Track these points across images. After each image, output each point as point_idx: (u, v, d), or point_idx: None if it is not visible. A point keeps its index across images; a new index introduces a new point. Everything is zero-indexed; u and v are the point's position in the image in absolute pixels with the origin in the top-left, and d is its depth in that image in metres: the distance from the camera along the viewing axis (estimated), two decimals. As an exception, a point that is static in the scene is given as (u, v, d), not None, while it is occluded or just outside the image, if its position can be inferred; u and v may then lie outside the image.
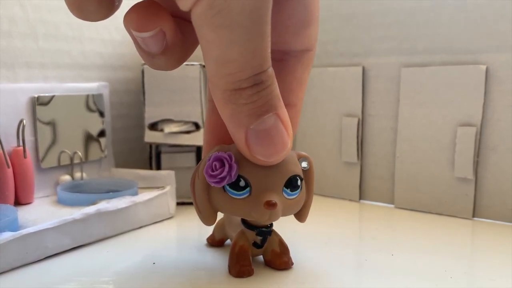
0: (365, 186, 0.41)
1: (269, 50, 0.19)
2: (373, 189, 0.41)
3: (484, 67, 0.34)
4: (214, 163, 0.22)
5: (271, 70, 0.19)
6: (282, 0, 0.22)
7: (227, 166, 0.22)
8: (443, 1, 0.36)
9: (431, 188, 0.37)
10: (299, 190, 0.23)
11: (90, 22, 0.20)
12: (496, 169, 0.35)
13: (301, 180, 0.23)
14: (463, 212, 0.36)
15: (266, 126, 0.20)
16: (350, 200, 0.42)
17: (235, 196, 0.22)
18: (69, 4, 0.19)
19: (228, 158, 0.22)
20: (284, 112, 0.21)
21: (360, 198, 0.42)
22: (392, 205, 0.40)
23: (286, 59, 0.24)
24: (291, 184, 0.23)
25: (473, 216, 0.36)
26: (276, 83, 0.20)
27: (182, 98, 0.39)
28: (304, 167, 0.24)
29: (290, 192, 0.23)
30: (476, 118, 0.35)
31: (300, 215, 0.25)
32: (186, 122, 0.39)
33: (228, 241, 0.29)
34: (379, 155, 0.40)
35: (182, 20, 0.21)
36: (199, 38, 0.18)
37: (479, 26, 0.34)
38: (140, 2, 0.20)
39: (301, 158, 0.24)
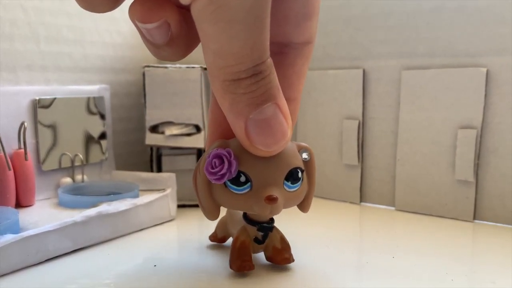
0: (366, 188, 0.41)
1: (268, 42, 0.19)
2: (373, 191, 0.41)
3: (484, 70, 0.34)
4: (214, 160, 0.22)
5: (269, 61, 0.19)
6: None
7: (226, 163, 0.22)
8: (444, 4, 0.36)
9: (431, 190, 0.37)
10: (300, 182, 0.23)
11: (92, 18, 0.20)
12: (497, 172, 0.35)
13: (302, 171, 0.24)
14: (463, 214, 0.36)
15: (265, 116, 0.20)
16: (351, 202, 0.42)
17: (236, 192, 0.22)
18: None
19: (227, 154, 0.22)
20: (283, 101, 0.21)
21: (361, 200, 0.42)
22: (393, 208, 0.40)
23: (286, 52, 0.24)
24: (292, 176, 0.23)
25: (474, 218, 0.36)
26: (275, 73, 0.20)
27: (183, 100, 0.39)
28: (305, 158, 0.24)
29: (291, 185, 0.23)
30: (477, 121, 0.35)
31: (303, 206, 0.25)
32: (187, 125, 0.39)
33: (230, 240, 0.29)
34: (380, 157, 0.40)
35: (187, 11, 0.21)
36: (198, 31, 0.19)
37: (480, 28, 0.34)
38: None
39: (301, 149, 0.24)
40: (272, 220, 0.26)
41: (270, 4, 0.18)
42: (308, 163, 0.24)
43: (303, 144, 0.24)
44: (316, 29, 0.24)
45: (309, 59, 0.24)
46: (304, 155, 0.24)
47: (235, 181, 0.22)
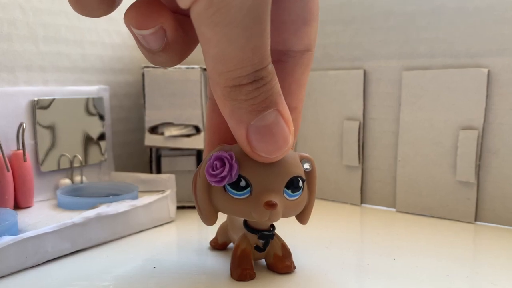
0: (367, 189, 0.41)
1: (269, 47, 0.19)
2: (374, 193, 0.41)
3: (486, 70, 0.34)
4: (215, 162, 0.22)
5: (271, 67, 0.19)
6: None
7: (227, 165, 0.22)
8: (444, 5, 0.35)
9: (433, 192, 0.37)
10: (300, 191, 0.23)
11: (91, 18, 0.20)
12: (498, 173, 0.35)
13: (303, 181, 0.23)
14: (465, 216, 0.36)
15: (267, 122, 0.20)
16: (352, 204, 0.42)
17: (235, 196, 0.22)
18: (71, 0, 0.19)
19: (229, 157, 0.22)
20: (285, 108, 0.20)
21: (362, 202, 0.41)
22: (394, 209, 0.40)
23: (285, 60, 0.23)
24: (292, 185, 0.23)
25: (475, 220, 0.36)
26: (277, 79, 0.20)
27: (182, 101, 0.39)
28: (306, 169, 0.24)
29: (291, 193, 0.23)
30: (478, 122, 0.35)
31: (302, 217, 0.25)
32: (186, 126, 0.39)
33: (231, 245, 0.29)
34: (381, 158, 0.40)
35: (183, 16, 0.21)
36: (198, 36, 0.18)
37: (480, 29, 0.34)
38: None
39: (303, 159, 0.24)
40: (273, 227, 0.25)
41: (269, 7, 0.18)
42: (309, 174, 0.24)
43: (305, 154, 0.24)
44: (316, 37, 0.24)
45: (309, 68, 0.24)
46: (306, 166, 0.24)
47: (235, 185, 0.22)
